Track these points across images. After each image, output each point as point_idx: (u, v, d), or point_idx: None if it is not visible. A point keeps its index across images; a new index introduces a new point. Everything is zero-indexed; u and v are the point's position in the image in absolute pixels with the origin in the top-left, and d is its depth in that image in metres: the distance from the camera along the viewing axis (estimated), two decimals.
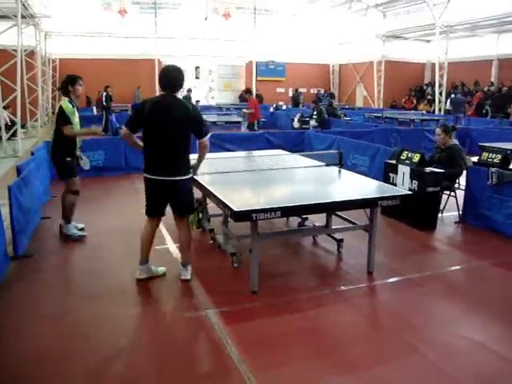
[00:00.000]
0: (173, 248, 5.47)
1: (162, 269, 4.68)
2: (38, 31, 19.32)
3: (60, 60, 24.15)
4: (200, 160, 4.60)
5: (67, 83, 5.69)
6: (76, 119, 5.76)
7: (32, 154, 7.63)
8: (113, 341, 3.51)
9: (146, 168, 4.33)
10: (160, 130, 4.18)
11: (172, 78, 4.25)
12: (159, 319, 3.91)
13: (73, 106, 5.67)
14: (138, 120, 4.30)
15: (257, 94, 18.88)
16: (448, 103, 20.68)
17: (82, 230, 6.01)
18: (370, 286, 4.52)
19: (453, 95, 20.60)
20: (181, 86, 4.32)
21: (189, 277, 4.55)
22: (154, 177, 4.27)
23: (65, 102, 5.63)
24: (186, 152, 4.33)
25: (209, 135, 4.41)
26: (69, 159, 5.69)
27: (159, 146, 4.21)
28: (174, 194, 4.33)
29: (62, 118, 5.59)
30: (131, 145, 4.57)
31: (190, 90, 20.77)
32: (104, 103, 17.53)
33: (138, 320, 3.91)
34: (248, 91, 14.61)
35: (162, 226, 6.27)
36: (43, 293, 4.33)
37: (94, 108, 18.97)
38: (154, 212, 4.50)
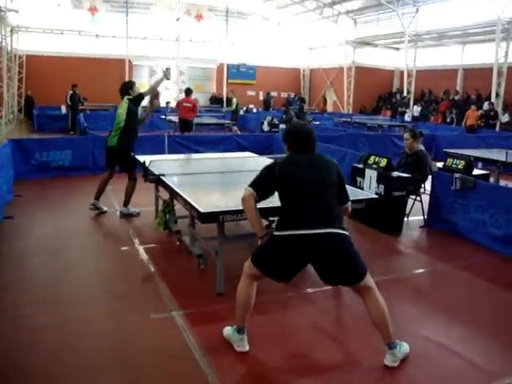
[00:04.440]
0: (140, 249, 5.39)
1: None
2: (4, 26, 18.83)
3: (27, 56, 23.52)
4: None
5: (127, 88, 6.59)
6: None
7: None
8: (75, 342, 3.43)
9: None
10: None
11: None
12: (125, 319, 3.84)
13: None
14: None
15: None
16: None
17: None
18: (335, 288, 4.53)
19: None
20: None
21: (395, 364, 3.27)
22: None
23: (129, 100, 6.44)
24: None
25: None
26: (133, 154, 6.62)
27: None
28: None
29: (135, 111, 6.54)
30: None
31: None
32: (68, 102, 17.12)
33: (102, 320, 3.82)
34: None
35: (129, 227, 6.23)
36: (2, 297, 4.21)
37: (63, 106, 18.43)
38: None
